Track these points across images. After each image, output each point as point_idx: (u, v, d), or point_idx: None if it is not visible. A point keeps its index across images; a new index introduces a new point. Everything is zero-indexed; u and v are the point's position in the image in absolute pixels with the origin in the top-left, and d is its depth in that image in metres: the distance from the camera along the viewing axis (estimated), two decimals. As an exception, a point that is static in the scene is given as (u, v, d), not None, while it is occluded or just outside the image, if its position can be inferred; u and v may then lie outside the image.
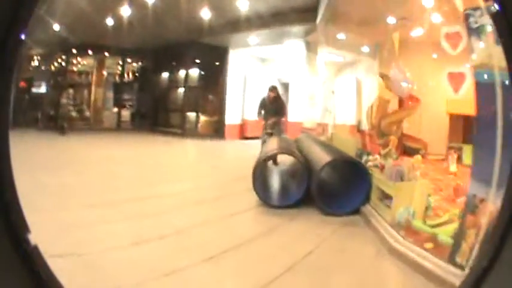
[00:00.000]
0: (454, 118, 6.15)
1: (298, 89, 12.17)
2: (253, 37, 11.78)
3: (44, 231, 2.07)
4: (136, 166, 7.23)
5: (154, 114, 14.95)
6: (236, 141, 12.75)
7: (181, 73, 14.45)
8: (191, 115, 14.06)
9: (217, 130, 13.52)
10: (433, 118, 6.22)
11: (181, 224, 3.89)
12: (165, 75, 15.17)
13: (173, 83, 14.75)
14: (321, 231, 3.83)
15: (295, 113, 11.72)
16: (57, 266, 0.96)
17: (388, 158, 5.04)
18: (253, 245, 3.49)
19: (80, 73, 14.31)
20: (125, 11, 10.12)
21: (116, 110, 14.87)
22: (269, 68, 14.34)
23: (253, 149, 7.54)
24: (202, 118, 14.05)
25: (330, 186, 5.06)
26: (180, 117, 14.11)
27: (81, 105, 14.26)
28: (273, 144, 6.33)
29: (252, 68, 14.05)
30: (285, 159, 6.59)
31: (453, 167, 5.36)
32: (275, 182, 6.16)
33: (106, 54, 14.18)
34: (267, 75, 13.80)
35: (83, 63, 14.27)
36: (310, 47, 11.36)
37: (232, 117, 13.40)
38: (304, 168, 4.91)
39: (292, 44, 11.88)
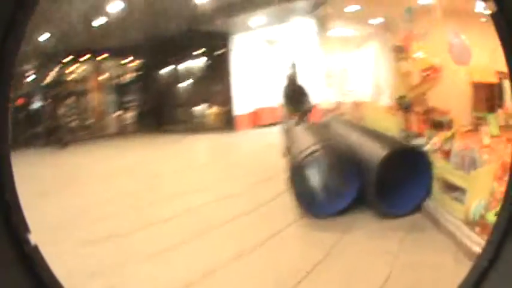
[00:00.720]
0: (476, 87, 5.23)
1: (310, 69, 11.38)
2: (257, 18, 11.22)
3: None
4: (143, 177, 6.44)
5: (159, 112, 14.43)
6: (250, 132, 12.09)
7: (184, 66, 14.09)
8: (198, 109, 13.70)
9: (228, 122, 12.93)
10: (454, 88, 5.51)
11: (209, 263, 3.06)
12: (166, 70, 14.81)
13: (176, 77, 14.41)
14: (387, 244, 3.17)
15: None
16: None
17: (453, 141, 4.02)
18: (310, 280, 2.72)
19: (76, 81, 14.15)
20: (118, 6, 9.96)
21: (119, 113, 14.72)
22: (277, 50, 13.55)
23: (270, 139, 7.04)
24: (211, 111, 13.60)
25: (386, 181, 4.07)
26: (187, 112, 13.76)
27: (82, 114, 14.09)
28: (304, 135, 5.24)
29: (259, 52, 13.35)
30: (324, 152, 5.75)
31: (486, 140, 4.48)
32: (317, 184, 4.92)
33: (104, 56, 13.90)
34: (276, 57, 13.13)
35: (78, 70, 14.08)
36: (320, 23, 10.65)
37: (242, 106, 12.80)
38: (354, 163, 4.06)
39: (300, 21, 11.28)
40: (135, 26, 10.76)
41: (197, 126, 13.15)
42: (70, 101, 13.84)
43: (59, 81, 13.47)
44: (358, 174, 3.99)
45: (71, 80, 13.97)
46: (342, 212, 3.90)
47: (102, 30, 10.53)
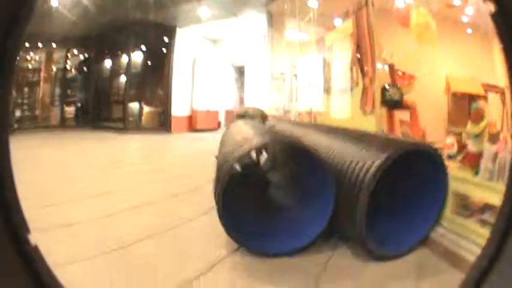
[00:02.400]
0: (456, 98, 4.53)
1: (256, 73, 10.88)
2: (204, 8, 10.26)
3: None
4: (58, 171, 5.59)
5: (97, 107, 13.76)
6: (185, 135, 11.71)
7: (124, 59, 13.26)
8: (134, 106, 13.02)
9: (163, 123, 12.50)
10: (427, 98, 4.77)
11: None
12: (107, 63, 13.94)
13: (115, 71, 13.58)
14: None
15: (253, 99, 10.70)
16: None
17: (483, 140, 2.83)
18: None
19: (33, 71, 13.40)
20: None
21: (62, 106, 13.94)
22: (221, 50, 13.15)
23: (205, 144, 6.66)
24: (146, 109, 13.02)
25: (379, 202, 2.67)
26: (123, 110, 12.94)
27: (31, 105, 13.31)
28: (246, 130, 3.68)
29: (202, 51, 12.87)
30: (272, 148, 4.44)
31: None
32: (261, 206, 3.39)
33: (53, 45, 13.16)
34: (219, 58, 12.81)
35: (35, 58, 13.34)
36: (273, 20, 9.65)
37: (179, 107, 12.37)
38: (324, 170, 2.62)
39: (250, 16, 10.24)
40: (85, 14, 10.15)
41: (131, 126, 12.64)
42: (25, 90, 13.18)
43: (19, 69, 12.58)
44: (331, 190, 2.56)
45: (29, 69, 13.27)
46: (303, 250, 2.53)
47: (54, 16, 9.73)
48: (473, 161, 2.72)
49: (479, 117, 3.11)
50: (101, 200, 3.91)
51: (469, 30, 3.81)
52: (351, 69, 5.73)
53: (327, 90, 6.76)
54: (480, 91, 2.97)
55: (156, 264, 2.37)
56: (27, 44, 12.10)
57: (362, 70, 5.42)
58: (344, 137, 3.19)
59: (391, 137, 3.58)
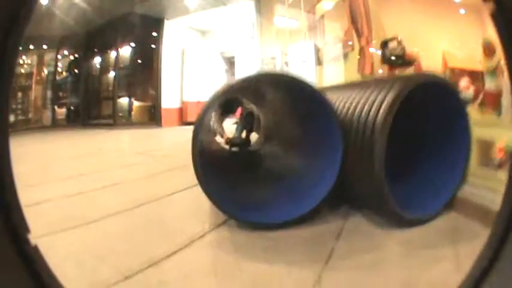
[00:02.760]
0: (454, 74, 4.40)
1: (247, 63, 10.58)
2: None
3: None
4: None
5: (87, 106, 13.64)
6: (175, 128, 11.41)
7: (113, 55, 13.07)
8: (123, 101, 12.86)
9: (153, 116, 12.32)
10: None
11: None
12: (96, 60, 13.77)
13: (104, 67, 13.41)
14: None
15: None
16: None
17: (500, 76, 2.63)
18: None
19: (26, 75, 13.28)
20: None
21: (54, 108, 13.79)
22: (210, 41, 12.97)
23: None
24: (136, 104, 12.83)
25: (396, 165, 2.24)
26: (112, 106, 12.78)
27: (25, 108, 13.23)
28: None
29: (191, 42, 12.70)
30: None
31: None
32: (257, 162, 3.26)
33: (44, 47, 13.03)
34: (208, 48, 12.62)
35: (27, 62, 13.23)
36: (261, 5, 9.47)
37: (169, 100, 12.18)
38: (326, 112, 2.22)
39: (239, 5, 10.10)
40: (68, 11, 10.09)
41: (120, 121, 12.47)
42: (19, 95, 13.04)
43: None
44: (338, 133, 2.16)
45: (22, 74, 13.10)
46: (306, 219, 2.14)
47: (40, 18, 9.47)
48: (493, 101, 2.43)
49: (491, 51, 2.85)
50: (74, 182, 3.72)
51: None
52: (345, 33, 5.51)
53: (319, 62, 6.67)
54: (478, 67, 2.84)
55: (122, 241, 2.09)
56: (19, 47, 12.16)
57: (357, 31, 5.11)
58: (348, 89, 2.61)
59: (403, 75, 3.06)
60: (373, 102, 2.03)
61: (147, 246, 1.98)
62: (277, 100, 3.40)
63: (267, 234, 2.03)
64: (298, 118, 2.96)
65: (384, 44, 4.28)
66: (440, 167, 2.30)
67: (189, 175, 2.29)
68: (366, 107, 2.07)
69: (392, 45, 4.18)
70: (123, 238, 2.15)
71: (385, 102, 1.94)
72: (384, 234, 1.98)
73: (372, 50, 4.66)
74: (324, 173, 2.24)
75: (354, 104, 2.21)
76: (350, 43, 5.40)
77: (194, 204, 2.61)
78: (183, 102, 12.43)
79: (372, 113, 2.00)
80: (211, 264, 1.80)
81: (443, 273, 1.53)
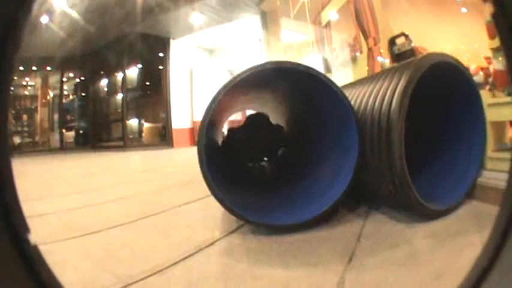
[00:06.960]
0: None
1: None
2: (196, 14, 9.94)
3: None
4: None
5: (95, 129, 13.74)
6: (188, 149, 10.97)
7: (119, 76, 13.18)
8: (133, 123, 12.91)
9: (164, 137, 12.20)
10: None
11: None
12: (103, 82, 13.92)
13: (111, 89, 13.52)
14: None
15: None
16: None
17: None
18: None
19: (31, 97, 13.74)
20: (44, 20, 9.35)
21: (62, 131, 14.12)
22: (218, 60, 12.87)
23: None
24: (146, 125, 12.84)
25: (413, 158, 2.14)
26: (122, 128, 12.79)
27: (31, 131, 13.61)
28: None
29: (198, 61, 12.65)
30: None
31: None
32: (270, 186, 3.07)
33: (48, 68, 13.20)
34: (216, 67, 12.49)
35: (31, 84, 13.60)
36: (268, 20, 9.28)
37: (180, 120, 12.14)
38: (339, 103, 2.15)
39: (244, 20, 9.98)
40: (77, 35, 10.10)
41: (131, 143, 12.46)
42: (24, 117, 13.42)
43: (13, 96, 12.83)
44: (352, 122, 2.10)
45: (26, 96, 13.47)
46: (322, 220, 2.10)
47: (43, 38, 9.74)
48: (503, 80, 2.41)
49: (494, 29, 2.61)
50: (81, 196, 3.80)
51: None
52: (354, 38, 5.56)
53: (328, 69, 6.67)
54: (483, 63, 2.89)
55: (128, 249, 2.08)
56: (21, 68, 12.16)
57: (364, 32, 5.12)
58: (359, 84, 2.59)
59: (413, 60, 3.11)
60: (387, 88, 1.98)
61: (153, 254, 1.95)
62: (290, 98, 3.28)
63: (283, 239, 1.97)
64: (314, 117, 2.89)
65: (392, 41, 4.23)
66: (458, 155, 2.27)
67: (201, 188, 2.29)
68: (380, 94, 2.02)
69: (399, 41, 4.14)
70: (128, 246, 2.15)
71: (399, 86, 1.88)
72: (408, 229, 1.96)
73: (380, 50, 4.68)
74: (339, 173, 2.20)
75: (366, 96, 2.17)
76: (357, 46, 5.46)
77: (204, 214, 2.60)
78: (194, 122, 12.28)
79: (386, 98, 1.93)
80: (220, 272, 1.71)
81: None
